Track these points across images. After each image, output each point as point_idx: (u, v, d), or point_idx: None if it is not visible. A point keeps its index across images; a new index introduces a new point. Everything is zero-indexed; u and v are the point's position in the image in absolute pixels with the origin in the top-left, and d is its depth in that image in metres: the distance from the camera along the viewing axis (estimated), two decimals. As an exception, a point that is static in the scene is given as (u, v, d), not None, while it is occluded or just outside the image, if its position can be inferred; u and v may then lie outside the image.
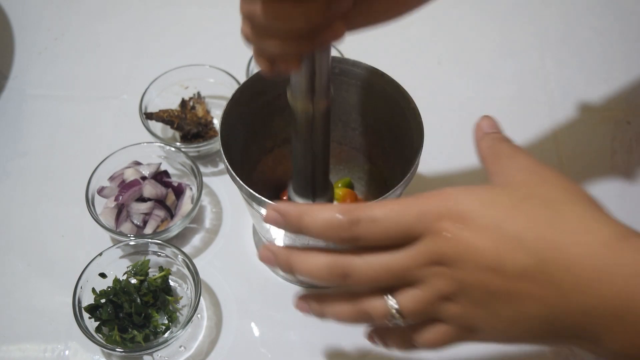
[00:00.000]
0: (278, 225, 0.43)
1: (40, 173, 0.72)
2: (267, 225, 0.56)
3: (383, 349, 0.49)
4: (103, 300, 0.59)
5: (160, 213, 0.65)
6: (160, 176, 0.68)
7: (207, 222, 0.68)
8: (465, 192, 0.40)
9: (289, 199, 0.57)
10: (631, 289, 0.35)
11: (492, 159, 0.44)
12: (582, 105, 0.78)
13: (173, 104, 0.74)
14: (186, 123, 0.72)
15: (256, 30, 0.42)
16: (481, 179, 0.44)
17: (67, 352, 0.60)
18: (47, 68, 0.81)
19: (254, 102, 0.59)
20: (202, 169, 0.71)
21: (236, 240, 0.67)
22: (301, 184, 0.55)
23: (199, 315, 0.62)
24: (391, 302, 0.42)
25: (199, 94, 0.76)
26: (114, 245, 0.61)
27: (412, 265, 0.40)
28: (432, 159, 0.69)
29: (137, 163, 0.69)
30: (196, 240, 0.67)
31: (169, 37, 0.85)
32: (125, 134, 0.73)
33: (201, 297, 0.60)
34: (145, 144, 0.69)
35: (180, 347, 0.60)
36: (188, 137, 0.72)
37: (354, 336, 0.60)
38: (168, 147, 0.68)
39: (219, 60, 0.76)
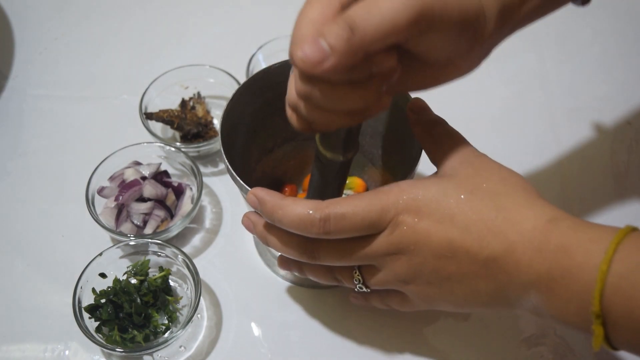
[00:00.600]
0: (256, 209, 0.48)
1: (40, 173, 0.72)
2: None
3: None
4: (103, 300, 0.59)
5: (160, 213, 0.65)
6: (160, 176, 0.68)
7: (207, 222, 0.68)
8: (419, 186, 0.46)
9: None
10: (556, 263, 0.40)
11: (432, 147, 0.50)
12: (582, 105, 0.78)
13: (173, 104, 0.74)
14: (186, 123, 0.72)
15: (310, 107, 0.42)
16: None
17: (67, 352, 0.60)
18: (47, 68, 0.81)
19: (254, 102, 0.59)
20: (202, 169, 0.72)
21: (236, 240, 0.67)
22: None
23: (199, 315, 0.62)
24: (358, 276, 0.50)
25: (199, 94, 0.76)
26: (114, 245, 0.61)
27: (374, 254, 0.47)
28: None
29: (137, 163, 0.69)
30: (196, 240, 0.67)
31: (169, 37, 0.85)
32: (125, 134, 0.73)
33: (201, 297, 0.60)
34: (145, 144, 0.69)
35: (180, 347, 0.60)
36: (188, 137, 0.72)
37: (355, 336, 0.60)
38: (168, 147, 0.68)
39: (219, 60, 0.76)
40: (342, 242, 0.47)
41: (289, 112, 0.45)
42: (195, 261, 0.63)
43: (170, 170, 0.70)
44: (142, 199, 0.66)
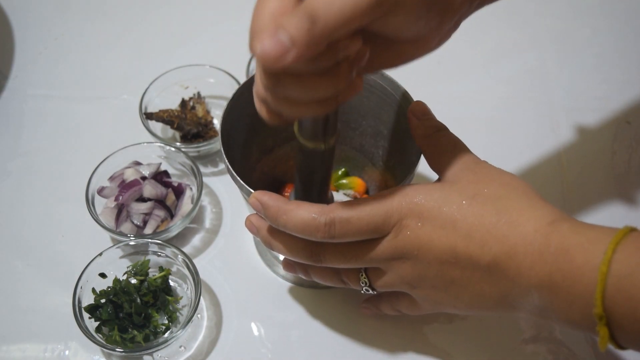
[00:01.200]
0: (260, 213, 0.48)
1: (40, 173, 0.72)
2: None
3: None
4: (103, 300, 0.59)
5: (160, 213, 0.65)
6: (160, 176, 0.68)
7: (207, 222, 0.68)
8: (421, 191, 0.46)
9: None
10: (556, 266, 0.40)
11: (433, 153, 0.50)
12: (582, 105, 0.78)
13: (173, 104, 0.74)
14: (186, 123, 0.72)
15: (277, 98, 0.40)
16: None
17: (67, 352, 0.60)
18: (47, 68, 0.81)
19: (254, 102, 0.59)
20: (202, 169, 0.71)
21: (236, 240, 0.67)
22: (303, 197, 0.54)
23: (199, 315, 0.62)
24: (364, 278, 0.50)
25: (199, 94, 0.76)
26: (114, 245, 0.61)
27: (379, 258, 0.47)
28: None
29: (137, 163, 0.69)
30: (196, 240, 0.67)
31: (169, 37, 0.85)
32: (125, 134, 0.73)
33: (201, 297, 0.60)
34: (145, 144, 0.69)
35: (180, 347, 0.60)
36: (188, 137, 0.72)
37: (355, 336, 0.60)
38: (168, 147, 0.68)
39: (219, 60, 0.76)
40: (346, 246, 0.47)
41: (258, 104, 0.43)
42: (195, 261, 0.63)
43: (170, 170, 0.70)
44: (142, 199, 0.66)
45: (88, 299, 0.59)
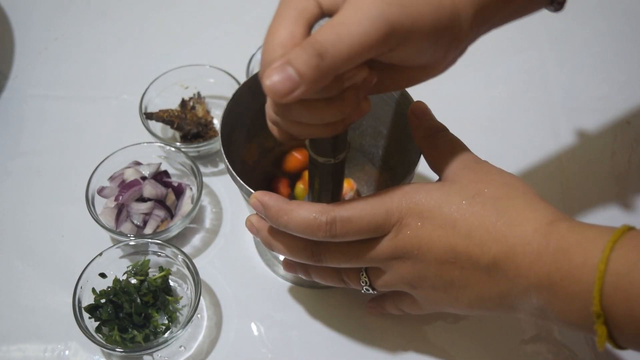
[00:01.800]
0: (260, 214, 0.48)
1: (40, 173, 0.72)
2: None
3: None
4: (103, 300, 0.59)
5: (160, 213, 0.65)
6: (160, 176, 0.68)
7: (207, 222, 0.68)
8: (421, 190, 0.46)
9: None
10: (555, 266, 0.40)
11: (433, 154, 0.50)
12: (582, 105, 0.78)
13: (173, 104, 0.74)
14: (186, 123, 0.72)
15: (287, 122, 0.42)
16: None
17: (67, 352, 0.60)
18: (47, 68, 0.81)
19: (254, 102, 0.59)
20: (202, 169, 0.72)
21: (236, 240, 0.67)
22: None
23: (199, 315, 0.62)
24: (365, 278, 0.50)
25: (199, 94, 0.76)
26: (114, 245, 0.61)
27: (379, 257, 0.47)
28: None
29: (137, 163, 0.69)
30: (196, 240, 0.67)
31: (169, 37, 0.85)
32: (125, 134, 0.73)
33: (201, 297, 0.60)
34: (145, 144, 0.69)
35: (180, 347, 0.60)
36: (188, 137, 0.72)
37: (355, 336, 0.60)
38: (168, 147, 0.68)
39: (219, 60, 0.76)
40: (347, 245, 0.47)
41: (270, 125, 0.45)
42: (195, 261, 0.63)
43: (170, 170, 0.70)
44: (142, 199, 0.66)
45: (88, 299, 0.59)
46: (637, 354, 0.55)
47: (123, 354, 0.57)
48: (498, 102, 0.78)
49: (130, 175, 0.67)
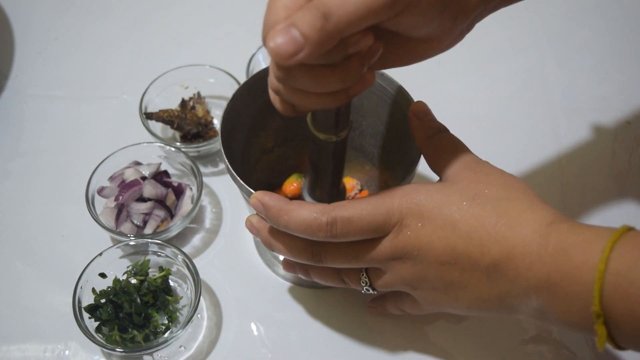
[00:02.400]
0: (261, 214, 0.48)
1: (40, 173, 0.72)
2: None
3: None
4: (103, 300, 0.59)
5: (160, 213, 0.65)
6: (160, 176, 0.68)
7: (207, 222, 0.68)
8: (422, 191, 0.46)
9: (302, 199, 0.57)
10: (555, 266, 0.40)
11: (433, 154, 0.50)
12: (582, 105, 0.78)
13: (173, 104, 0.74)
14: (186, 123, 0.72)
15: (289, 90, 0.41)
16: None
17: (67, 352, 0.60)
18: (47, 68, 0.81)
19: (254, 102, 0.59)
20: (202, 169, 0.71)
21: (236, 240, 0.67)
22: (316, 190, 0.55)
23: (199, 315, 0.62)
24: (365, 278, 0.50)
25: (199, 94, 0.76)
26: (114, 245, 0.61)
27: (379, 258, 0.47)
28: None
29: (137, 163, 0.69)
30: (196, 240, 0.67)
31: (169, 37, 0.85)
32: (125, 134, 0.73)
33: (201, 297, 0.60)
34: (145, 144, 0.69)
35: (180, 347, 0.60)
36: (188, 137, 0.72)
37: (355, 336, 0.60)
38: (168, 147, 0.68)
39: (219, 60, 0.76)
40: (347, 245, 0.47)
41: (272, 95, 0.44)
42: (195, 261, 0.63)
43: (170, 170, 0.70)
44: (142, 199, 0.66)
45: (88, 299, 0.59)
46: (637, 354, 0.55)
47: (123, 354, 0.57)
48: (498, 102, 0.78)
49: (130, 175, 0.67)
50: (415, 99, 0.54)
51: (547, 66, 0.82)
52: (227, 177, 0.70)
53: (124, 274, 0.61)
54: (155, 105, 0.74)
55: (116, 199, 0.65)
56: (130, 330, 0.58)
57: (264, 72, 0.59)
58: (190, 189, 0.68)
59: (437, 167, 0.49)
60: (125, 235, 0.63)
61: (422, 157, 0.52)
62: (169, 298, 0.60)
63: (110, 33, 0.85)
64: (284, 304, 0.62)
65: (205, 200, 0.70)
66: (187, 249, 0.66)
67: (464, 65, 0.82)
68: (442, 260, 0.45)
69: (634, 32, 0.85)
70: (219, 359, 0.59)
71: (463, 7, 0.43)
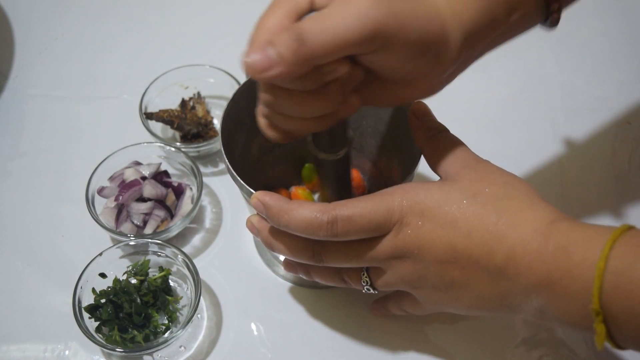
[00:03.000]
0: (261, 214, 0.48)
1: (40, 173, 0.72)
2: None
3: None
4: (103, 300, 0.59)
5: (160, 213, 0.65)
6: (160, 176, 0.68)
7: (207, 222, 0.68)
8: (422, 189, 0.46)
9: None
10: (555, 265, 0.40)
11: (433, 154, 0.50)
12: (582, 105, 0.78)
13: (173, 104, 0.74)
14: (186, 123, 0.72)
15: (276, 115, 0.43)
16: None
17: (67, 352, 0.60)
18: (47, 68, 0.81)
19: (254, 102, 0.58)
20: (202, 169, 0.72)
21: (236, 240, 0.67)
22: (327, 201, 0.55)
23: (199, 315, 0.62)
24: (366, 277, 0.50)
25: (199, 94, 0.76)
26: (114, 245, 0.61)
27: (380, 257, 0.47)
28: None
29: (137, 163, 0.69)
30: (196, 240, 0.67)
31: (169, 37, 0.85)
32: (125, 134, 0.73)
33: (201, 297, 0.60)
34: (145, 144, 0.69)
35: (180, 347, 0.60)
36: (188, 137, 0.72)
37: (355, 336, 0.60)
38: (168, 147, 0.68)
39: (219, 60, 0.76)
40: (348, 245, 0.47)
41: (261, 121, 0.45)
42: (195, 261, 0.63)
43: (170, 170, 0.70)
44: (142, 199, 0.66)
45: (88, 299, 0.59)
46: (637, 354, 0.55)
47: (123, 354, 0.58)
48: (498, 102, 0.78)
49: (130, 175, 0.67)
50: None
51: (546, 66, 0.82)
52: (227, 177, 0.70)
53: (124, 274, 0.61)
54: (155, 105, 0.74)
55: (116, 199, 0.65)
56: (130, 330, 0.58)
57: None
58: (190, 189, 0.68)
59: (437, 167, 0.49)
60: (125, 235, 0.63)
61: (422, 157, 0.52)
62: (169, 298, 0.60)
63: (110, 33, 0.85)
64: (284, 304, 0.62)
65: (205, 200, 0.70)
66: (187, 249, 0.66)
67: (464, 65, 0.82)
68: (442, 259, 0.45)
69: (634, 32, 0.85)
70: (219, 359, 0.59)
71: (442, 55, 0.43)
